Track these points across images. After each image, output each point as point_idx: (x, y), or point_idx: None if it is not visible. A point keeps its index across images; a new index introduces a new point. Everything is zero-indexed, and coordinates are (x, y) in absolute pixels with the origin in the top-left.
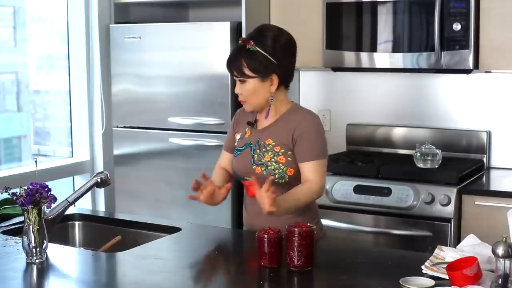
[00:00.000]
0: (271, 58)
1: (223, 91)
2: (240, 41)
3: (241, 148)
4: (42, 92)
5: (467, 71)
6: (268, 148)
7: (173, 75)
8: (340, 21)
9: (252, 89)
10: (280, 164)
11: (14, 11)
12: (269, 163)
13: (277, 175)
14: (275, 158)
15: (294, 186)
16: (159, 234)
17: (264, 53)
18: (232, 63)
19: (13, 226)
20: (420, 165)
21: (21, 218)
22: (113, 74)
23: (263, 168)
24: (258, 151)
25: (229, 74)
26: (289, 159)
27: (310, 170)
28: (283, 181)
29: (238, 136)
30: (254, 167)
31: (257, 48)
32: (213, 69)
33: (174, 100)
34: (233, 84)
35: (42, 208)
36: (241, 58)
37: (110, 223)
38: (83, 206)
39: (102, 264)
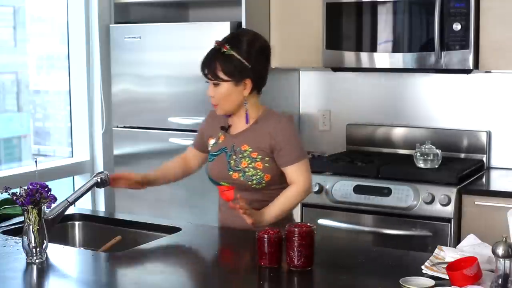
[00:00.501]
0: (246, 63)
1: None
2: (215, 44)
3: (215, 153)
4: (42, 92)
5: (467, 71)
6: (244, 154)
7: (173, 75)
8: (340, 21)
9: (225, 93)
10: (258, 170)
11: (14, 11)
12: (246, 169)
13: (254, 181)
14: (253, 164)
15: (272, 191)
16: (159, 234)
17: (239, 57)
18: (207, 66)
19: (13, 226)
20: (420, 165)
21: (21, 218)
22: (113, 74)
23: (240, 174)
24: (234, 157)
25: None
26: (267, 165)
27: (294, 172)
28: (260, 186)
29: (212, 141)
30: (231, 173)
31: (232, 52)
32: None
33: (174, 100)
34: None
35: (42, 208)
36: (216, 61)
37: (110, 223)
38: (83, 206)
39: (102, 264)
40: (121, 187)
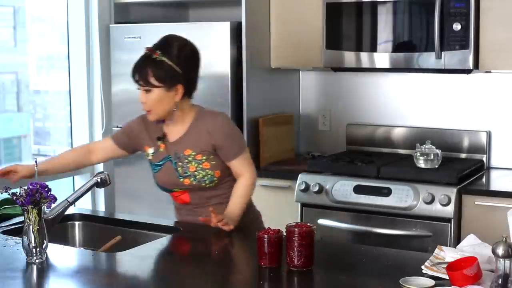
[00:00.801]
0: (177, 68)
1: (223, 91)
2: (146, 50)
3: (160, 163)
4: (42, 92)
5: (467, 71)
6: (189, 158)
7: None
8: (340, 21)
9: (157, 99)
10: (207, 170)
11: (14, 11)
12: (196, 173)
13: (207, 181)
14: (200, 166)
15: (224, 184)
16: (159, 234)
17: (170, 63)
18: (138, 72)
19: (13, 226)
20: (420, 165)
21: (21, 218)
22: (113, 74)
23: (192, 179)
24: (180, 163)
25: (229, 74)
26: (213, 162)
27: (239, 165)
28: (213, 184)
29: (150, 151)
30: (182, 180)
31: (163, 58)
32: (213, 69)
33: None
34: (234, 84)
35: (42, 208)
36: (147, 67)
37: (110, 223)
38: (83, 206)
39: (102, 264)
40: (12, 181)
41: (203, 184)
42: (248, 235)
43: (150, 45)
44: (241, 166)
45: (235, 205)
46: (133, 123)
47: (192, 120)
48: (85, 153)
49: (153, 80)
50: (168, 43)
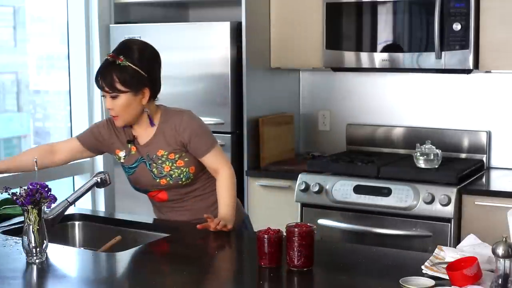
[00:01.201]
0: (142, 72)
1: (223, 91)
2: (108, 57)
3: (133, 166)
4: (42, 92)
5: (467, 71)
6: (163, 159)
7: (173, 75)
8: (340, 21)
9: (125, 104)
10: (181, 168)
11: (14, 11)
12: (171, 172)
13: (183, 179)
14: (174, 165)
15: (200, 178)
16: (159, 234)
17: (135, 67)
18: (103, 79)
19: (13, 226)
20: (420, 165)
21: (21, 218)
22: None
23: (168, 179)
24: (154, 164)
25: (229, 74)
26: (186, 159)
27: (212, 160)
28: (189, 180)
29: (122, 154)
30: (158, 180)
31: (127, 63)
32: (213, 69)
33: (173, 100)
34: (234, 84)
35: (42, 208)
36: (112, 73)
37: (110, 223)
38: (83, 206)
39: (102, 264)
40: None
41: (180, 182)
42: (248, 235)
43: (113, 51)
44: (215, 161)
45: (226, 206)
46: (101, 126)
47: (159, 121)
48: (47, 153)
49: (119, 86)
50: (128, 48)
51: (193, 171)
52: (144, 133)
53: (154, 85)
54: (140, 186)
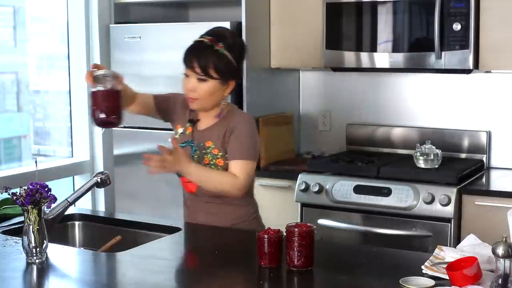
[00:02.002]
0: (234, 63)
1: None
2: (206, 39)
3: (181, 144)
4: (42, 92)
5: (467, 71)
6: (208, 150)
7: (173, 75)
8: (340, 21)
9: (211, 91)
10: (219, 167)
11: (14, 11)
12: (208, 165)
13: None
14: (214, 161)
15: None
16: (159, 234)
17: (231, 58)
18: (198, 60)
19: (13, 226)
20: (420, 165)
21: (21, 218)
22: None
23: None
24: (198, 152)
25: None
26: (227, 161)
27: (237, 167)
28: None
29: (180, 130)
30: None
31: (225, 52)
32: None
33: None
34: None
35: (42, 208)
36: (209, 57)
37: (110, 223)
38: (83, 206)
39: (102, 264)
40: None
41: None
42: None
43: (207, 35)
44: (239, 170)
45: (204, 168)
46: (179, 96)
47: (223, 115)
48: (130, 98)
49: (212, 72)
50: (225, 36)
51: None
52: (206, 120)
53: (239, 79)
54: None
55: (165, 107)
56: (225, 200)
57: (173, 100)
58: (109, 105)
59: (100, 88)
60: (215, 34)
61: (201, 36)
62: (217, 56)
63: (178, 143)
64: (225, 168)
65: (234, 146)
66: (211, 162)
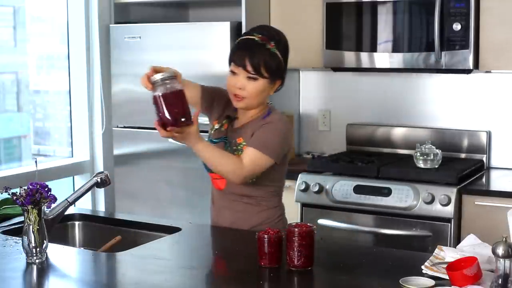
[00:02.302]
0: (283, 63)
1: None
2: (257, 38)
3: (215, 140)
4: (42, 92)
5: (467, 71)
6: (238, 147)
7: None
8: (340, 21)
9: (259, 90)
10: None
11: (14, 11)
12: None
13: None
14: None
15: (261, 185)
16: (159, 234)
17: (280, 57)
18: (250, 59)
19: (13, 226)
20: (420, 165)
21: (21, 218)
22: (113, 74)
23: None
24: (229, 149)
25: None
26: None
27: (248, 155)
28: (251, 181)
29: (216, 126)
30: None
31: (276, 51)
32: (213, 69)
33: None
34: None
35: (42, 208)
36: (261, 56)
37: (110, 223)
38: (83, 206)
39: (102, 264)
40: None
41: None
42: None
43: (256, 33)
44: (249, 157)
45: (211, 146)
46: (225, 93)
47: (262, 114)
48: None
49: (263, 71)
50: (274, 34)
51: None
52: (243, 118)
53: (283, 78)
54: None
55: (210, 101)
56: (253, 199)
57: (219, 95)
58: (174, 109)
59: (159, 92)
60: (265, 32)
61: (249, 34)
62: (269, 55)
63: (213, 138)
64: None
65: (257, 135)
66: None
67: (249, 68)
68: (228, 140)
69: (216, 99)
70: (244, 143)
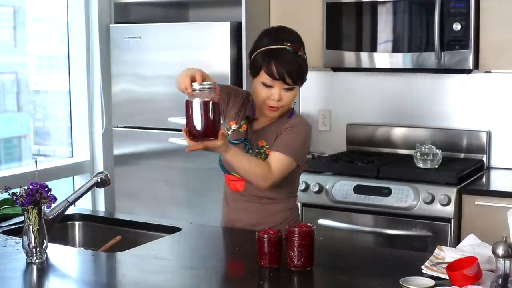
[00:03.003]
0: (307, 66)
1: None
2: (289, 47)
3: (234, 141)
4: (42, 92)
5: (467, 71)
6: (261, 150)
7: (173, 75)
8: (340, 21)
9: (294, 97)
10: None
11: (14, 11)
12: None
13: None
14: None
15: (281, 188)
16: (159, 234)
17: (306, 60)
18: (290, 71)
19: (13, 226)
20: (420, 165)
21: (21, 218)
22: (113, 74)
23: None
24: (251, 151)
25: (229, 74)
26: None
27: (276, 159)
28: None
29: (234, 127)
30: None
31: (305, 56)
32: (213, 69)
33: (174, 100)
34: (234, 84)
35: (42, 208)
36: (300, 66)
37: (110, 223)
38: (83, 206)
39: (102, 264)
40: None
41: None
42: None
43: (285, 41)
44: (276, 162)
45: (237, 151)
46: (241, 92)
47: (283, 116)
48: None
49: (300, 79)
50: (300, 38)
51: None
52: (262, 120)
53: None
54: (225, 164)
55: (224, 97)
56: (272, 201)
57: (236, 94)
58: (206, 121)
59: (199, 99)
60: (292, 37)
61: (278, 41)
62: (302, 63)
63: (231, 139)
64: None
65: (283, 139)
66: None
67: (289, 80)
68: (249, 142)
69: (233, 98)
70: (267, 146)
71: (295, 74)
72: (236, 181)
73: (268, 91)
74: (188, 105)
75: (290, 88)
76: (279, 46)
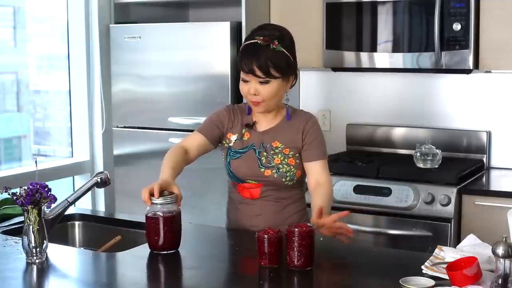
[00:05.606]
0: (291, 58)
1: (223, 91)
2: (260, 41)
3: (241, 151)
4: (42, 92)
5: (467, 71)
6: (277, 151)
7: (173, 75)
8: (340, 21)
9: (274, 91)
10: (291, 167)
11: (14, 11)
12: (280, 165)
13: (288, 178)
14: (286, 160)
15: (298, 187)
16: None
17: (287, 53)
18: (257, 63)
19: (13, 226)
20: (420, 165)
21: (21, 218)
22: (113, 74)
23: (273, 171)
24: (265, 153)
25: (229, 74)
26: (297, 161)
27: (320, 169)
28: (291, 183)
29: (234, 137)
30: (263, 170)
31: (282, 48)
32: (213, 69)
33: (174, 100)
34: (234, 84)
35: (42, 208)
36: (267, 58)
37: (110, 223)
38: (83, 206)
39: (102, 264)
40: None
41: (283, 179)
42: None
43: (257, 35)
44: (322, 171)
45: (326, 202)
46: (221, 114)
47: (285, 113)
48: (184, 155)
49: (273, 71)
50: (279, 32)
51: (298, 176)
52: (265, 121)
53: (296, 72)
54: (239, 173)
55: (216, 134)
56: (287, 201)
57: (217, 121)
58: (167, 234)
59: (158, 214)
60: (266, 32)
61: (251, 37)
62: (275, 55)
63: (236, 149)
64: (297, 167)
65: (315, 148)
66: (283, 162)
67: (259, 73)
68: (257, 146)
69: (218, 124)
70: (282, 146)
71: (265, 67)
72: (252, 188)
73: (246, 86)
74: (149, 220)
75: (265, 81)
76: (251, 42)
